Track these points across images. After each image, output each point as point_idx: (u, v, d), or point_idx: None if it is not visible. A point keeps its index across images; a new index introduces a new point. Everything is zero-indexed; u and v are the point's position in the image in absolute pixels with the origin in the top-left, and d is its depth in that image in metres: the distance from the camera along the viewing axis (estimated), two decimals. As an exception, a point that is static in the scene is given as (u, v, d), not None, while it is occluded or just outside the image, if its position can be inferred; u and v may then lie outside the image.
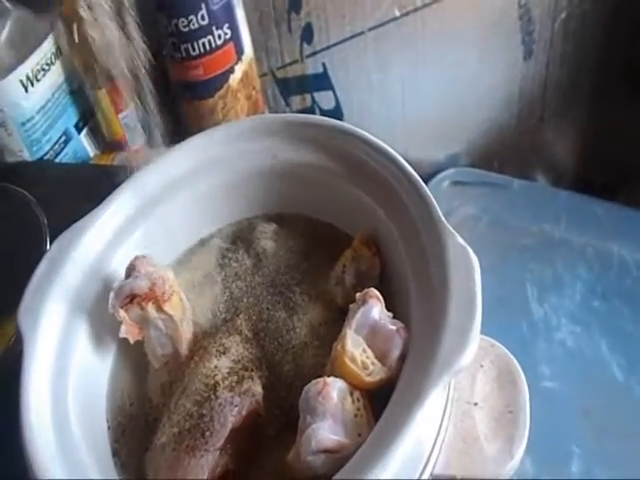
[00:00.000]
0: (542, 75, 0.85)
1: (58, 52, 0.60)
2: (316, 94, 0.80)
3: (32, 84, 0.57)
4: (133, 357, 0.35)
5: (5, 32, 0.56)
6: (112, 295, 0.32)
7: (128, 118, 0.64)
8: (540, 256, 0.74)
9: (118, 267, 0.35)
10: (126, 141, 0.64)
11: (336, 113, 0.80)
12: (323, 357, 0.33)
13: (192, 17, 0.59)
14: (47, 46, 0.58)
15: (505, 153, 0.89)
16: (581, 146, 0.88)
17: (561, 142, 0.89)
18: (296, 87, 0.78)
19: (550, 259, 0.73)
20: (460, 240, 0.30)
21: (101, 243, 0.35)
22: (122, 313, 0.32)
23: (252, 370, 0.32)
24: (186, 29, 0.60)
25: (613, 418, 0.59)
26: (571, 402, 0.61)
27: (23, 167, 0.56)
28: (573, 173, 0.89)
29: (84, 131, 0.64)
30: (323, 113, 0.81)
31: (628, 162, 0.84)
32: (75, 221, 0.36)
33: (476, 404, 0.31)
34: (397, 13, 0.75)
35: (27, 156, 0.58)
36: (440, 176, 0.82)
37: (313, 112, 0.81)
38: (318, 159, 0.38)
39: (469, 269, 0.29)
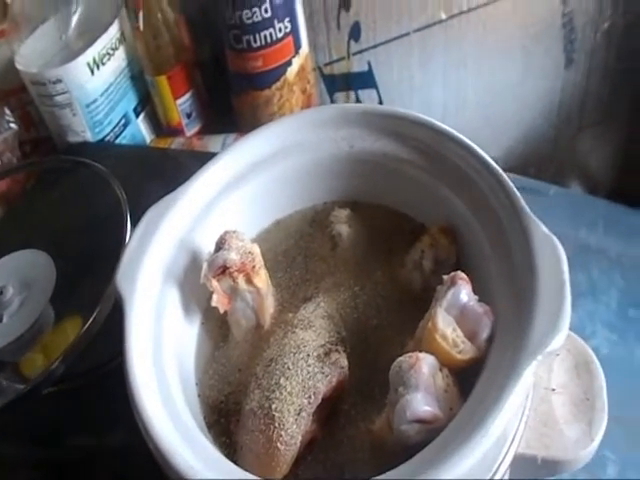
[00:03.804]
0: (582, 84, 0.86)
1: (122, 37, 0.62)
2: (360, 92, 0.81)
3: (98, 67, 0.59)
4: (214, 330, 0.37)
5: (75, 17, 0.58)
6: (205, 266, 0.33)
7: (185, 105, 0.65)
8: (576, 263, 0.74)
9: (203, 241, 0.36)
10: (182, 127, 0.65)
11: (379, 112, 0.81)
12: (399, 337, 0.34)
13: (256, 9, 0.60)
14: (112, 31, 0.60)
15: (542, 160, 0.90)
16: (619, 157, 0.89)
17: (598, 152, 0.89)
18: (341, 84, 0.79)
19: (586, 266, 0.74)
20: (545, 229, 0.31)
21: (188, 218, 0.37)
22: (214, 283, 0.33)
23: (337, 344, 0.33)
24: (249, 21, 0.61)
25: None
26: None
27: (86, 147, 0.57)
28: (609, 184, 0.89)
29: (141, 116, 0.66)
30: (366, 111, 0.82)
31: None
32: (147, 200, 0.38)
33: (553, 390, 0.32)
34: (443, 16, 0.75)
35: (89, 137, 0.59)
36: (479, 180, 0.83)
37: (357, 109, 0.82)
38: (395, 150, 0.39)
39: (556, 256, 0.30)
